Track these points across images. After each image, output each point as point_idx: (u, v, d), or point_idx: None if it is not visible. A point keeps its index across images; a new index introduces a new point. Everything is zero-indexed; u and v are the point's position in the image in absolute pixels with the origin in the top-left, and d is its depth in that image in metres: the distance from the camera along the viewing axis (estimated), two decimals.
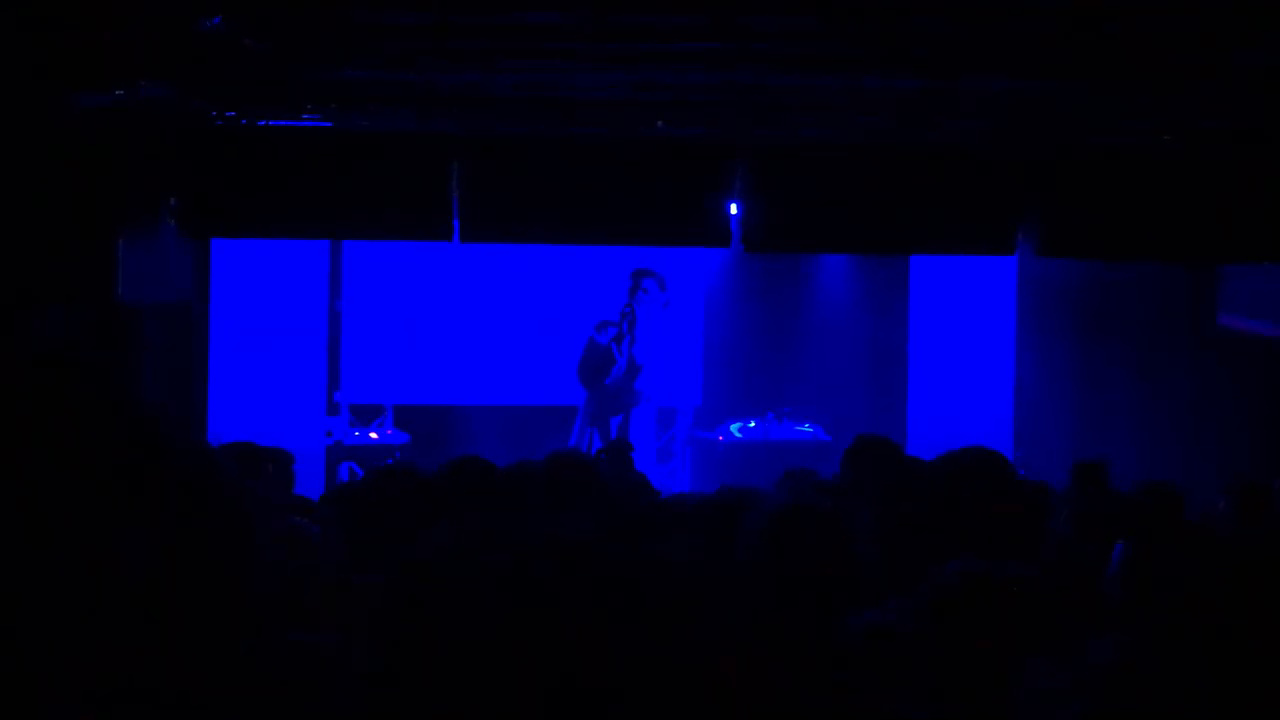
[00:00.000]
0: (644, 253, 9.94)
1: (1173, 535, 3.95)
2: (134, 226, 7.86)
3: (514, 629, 1.62)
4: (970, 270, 9.71)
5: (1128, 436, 8.96)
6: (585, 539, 1.71)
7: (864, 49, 7.05)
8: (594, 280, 9.94)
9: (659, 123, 8.01)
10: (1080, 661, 2.94)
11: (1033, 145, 8.18)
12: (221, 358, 9.06)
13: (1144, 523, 4.55)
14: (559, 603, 1.63)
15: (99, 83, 7.23)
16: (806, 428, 10.83)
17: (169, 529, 2.05)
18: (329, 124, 8.11)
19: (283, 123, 8.06)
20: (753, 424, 10.86)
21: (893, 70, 7.35)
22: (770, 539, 3.25)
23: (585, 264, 10.28)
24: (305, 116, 8.03)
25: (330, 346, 10.46)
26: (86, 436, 1.90)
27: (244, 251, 9.27)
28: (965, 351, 9.95)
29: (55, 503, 1.82)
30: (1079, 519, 4.88)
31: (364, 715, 1.84)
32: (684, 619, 1.80)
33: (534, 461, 5.04)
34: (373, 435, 10.43)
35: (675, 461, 11.24)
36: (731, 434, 10.81)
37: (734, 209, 8.37)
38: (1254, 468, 7.58)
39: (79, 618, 1.82)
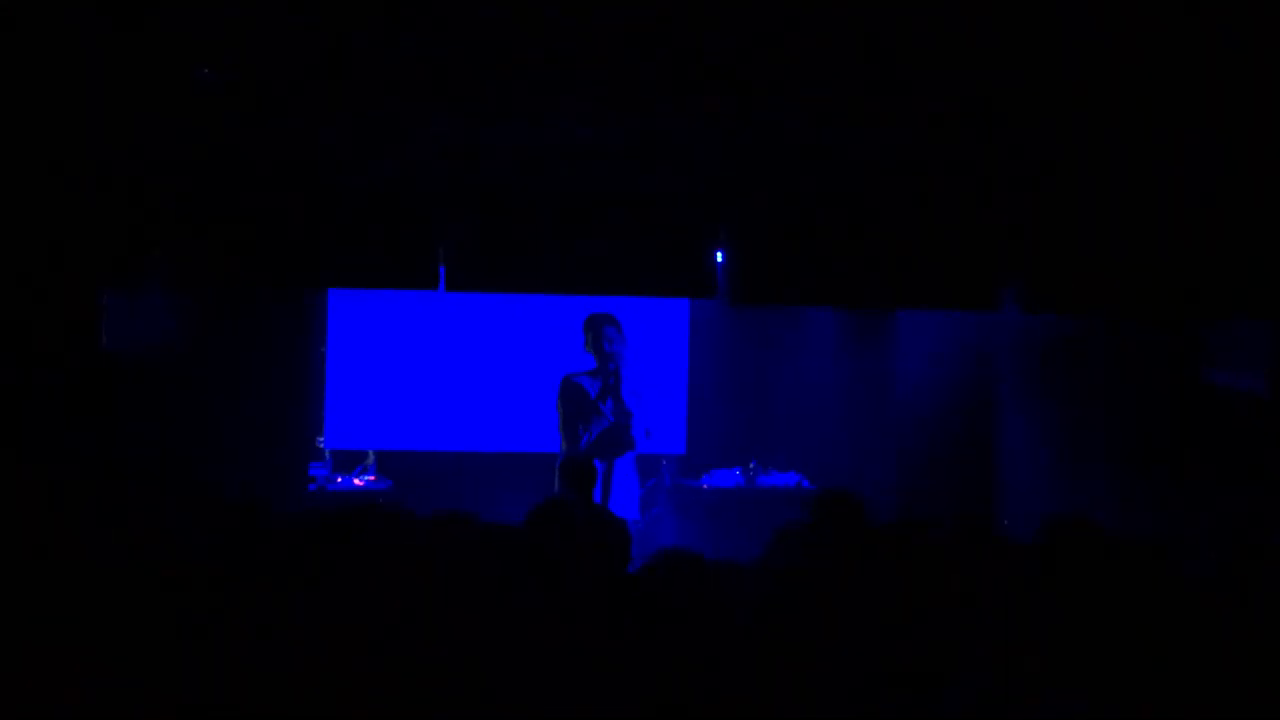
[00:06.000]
0: (630, 300, 9.93)
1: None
2: (118, 276, 7.84)
3: None
4: (956, 321, 9.70)
5: (1111, 490, 8.93)
6: None
7: (847, 104, 7.08)
8: (578, 328, 9.88)
9: (645, 175, 8.02)
10: None
11: (1017, 200, 8.20)
12: (205, 405, 9.00)
13: None
14: None
15: (89, 130, 7.23)
16: (791, 475, 10.82)
17: None
18: (315, 172, 8.08)
19: (267, 171, 8.03)
20: (737, 471, 10.84)
21: (876, 124, 7.38)
22: None
23: (569, 311, 10.24)
24: (290, 165, 8.01)
25: (314, 392, 10.43)
26: None
27: (229, 299, 9.22)
28: (948, 401, 9.92)
29: None
30: None
31: None
32: None
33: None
34: (356, 481, 10.38)
35: (658, 509, 11.21)
36: (715, 481, 10.80)
37: (720, 257, 8.40)
38: (1240, 525, 7.57)
39: None
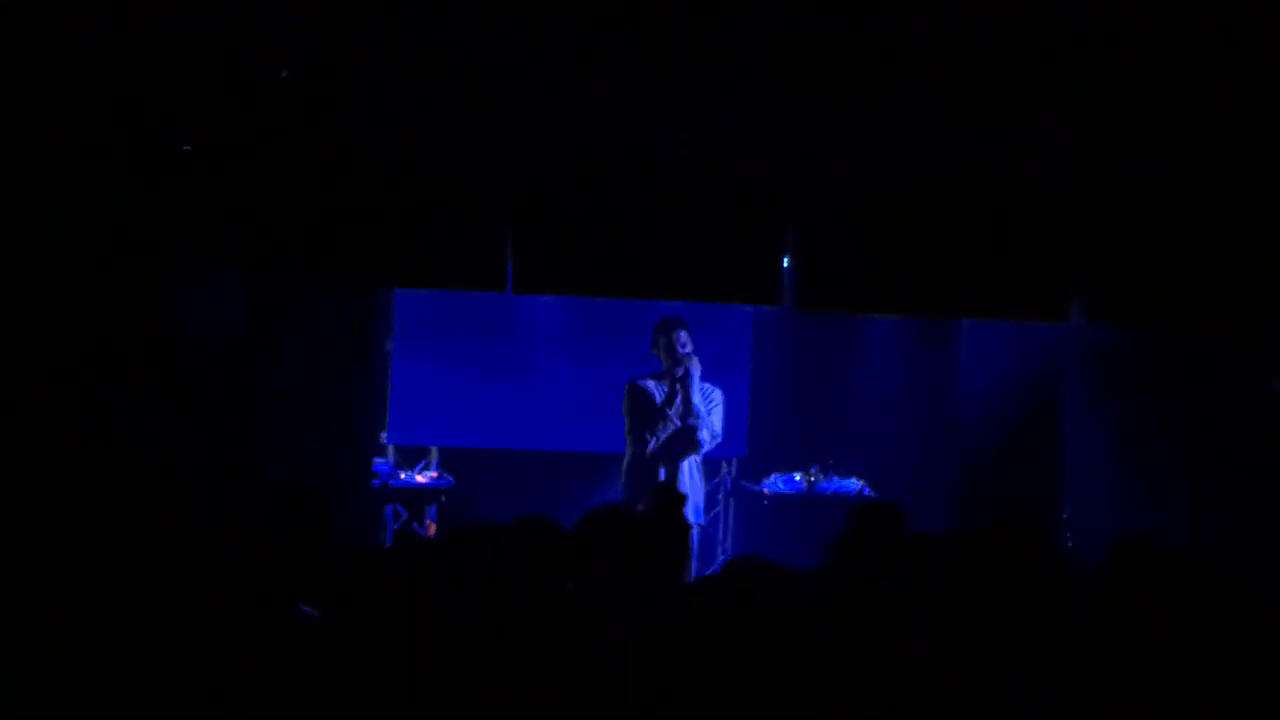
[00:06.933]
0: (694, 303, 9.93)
1: None
2: (187, 265, 7.91)
3: None
4: (1021, 330, 9.65)
5: (1177, 502, 8.87)
6: None
7: (915, 111, 7.08)
8: (642, 329, 9.89)
9: (713, 181, 8.05)
10: None
11: (1085, 211, 8.17)
12: (272, 397, 9.06)
13: None
14: None
15: (161, 116, 7.31)
16: (853, 481, 10.79)
17: None
18: (383, 170, 8.14)
19: (337, 169, 8.09)
20: (798, 476, 10.82)
21: (946, 131, 7.38)
22: None
23: (633, 313, 10.25)
24: (360, 163, 8.06)
25: (379, 388, 10.49)
26: None
27: (297, 292, 9.27)
28: (1012, 410, 9.87)
29: None
30: None
31: None
32: None
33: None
34: (419, 478, 10.45)
35: (718, 511, 11.23)
36: (776, 486, 10.78)
37: (785, 263, 8.41)
38: None
39: None
